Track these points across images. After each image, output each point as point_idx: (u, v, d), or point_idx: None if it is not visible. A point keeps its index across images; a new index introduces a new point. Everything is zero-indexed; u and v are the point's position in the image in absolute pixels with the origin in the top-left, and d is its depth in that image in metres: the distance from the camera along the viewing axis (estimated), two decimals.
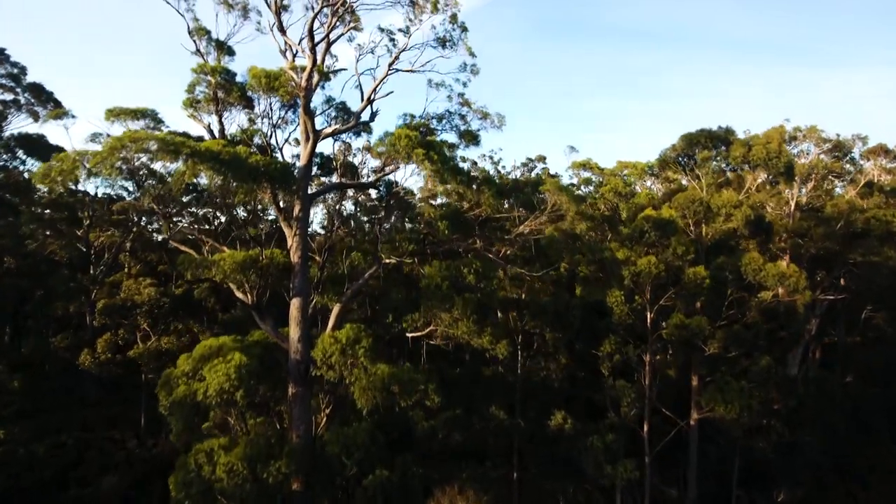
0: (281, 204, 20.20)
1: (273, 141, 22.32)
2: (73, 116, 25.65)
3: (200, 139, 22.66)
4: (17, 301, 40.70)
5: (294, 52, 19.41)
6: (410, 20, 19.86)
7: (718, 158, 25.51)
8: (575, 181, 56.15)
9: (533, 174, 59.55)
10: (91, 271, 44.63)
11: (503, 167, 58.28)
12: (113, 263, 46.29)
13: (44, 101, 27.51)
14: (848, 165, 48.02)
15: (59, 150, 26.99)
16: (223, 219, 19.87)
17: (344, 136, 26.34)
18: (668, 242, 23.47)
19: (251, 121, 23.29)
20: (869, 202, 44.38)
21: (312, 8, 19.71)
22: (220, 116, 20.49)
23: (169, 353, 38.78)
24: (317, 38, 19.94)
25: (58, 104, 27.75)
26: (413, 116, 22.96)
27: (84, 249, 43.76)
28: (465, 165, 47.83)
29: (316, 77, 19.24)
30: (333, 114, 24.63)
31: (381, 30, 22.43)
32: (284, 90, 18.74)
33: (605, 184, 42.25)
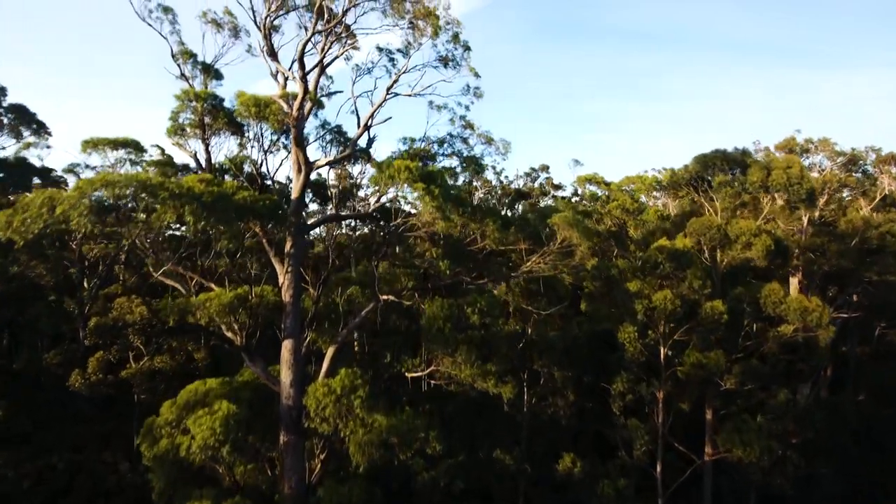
0: (271, 238, 18.91)
1: (265, 167, 21.05)
2: (48, 147, 24.40)
3: (186, 168, 21.40)
4: (9, 317, 39.54)
5: (285, 77, 18.07)
6: (409, 42, 18.53)
7: (735, 184, 24.17)
8: (579, 190, 54.83)
9: (536, 184, 58.22)
10: (85, 283, 43.36)
11: (506, 177, 56.95)
12: (107, 276, 45.03)
13: (27, 122, 26.28)
14: (858, 174, 46.67)
15: (44, 171, 25.67)
16: (212, 253, 18.55)
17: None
18: (684, 275, 22.16)
19: (241, 146, 21.98)
20: (882, 216, 43.02)
21: (305, 29, 18.40)
22: (207, 145, 19.19)
23: (162, 372, 37.61)
24: (311, 62, 18.65)
25: (41, 125, 26.56)
26: (413, 140, 21.66)
27: (75, 265, 42.50)
28: (467, 175, 46.49)
29: (308, 104, 17.91)
30: (329, 137, 23.36)
31: (380, 49, 21.13)
32: (275, 118, 17.41)
33: (612, 199, 40.95)
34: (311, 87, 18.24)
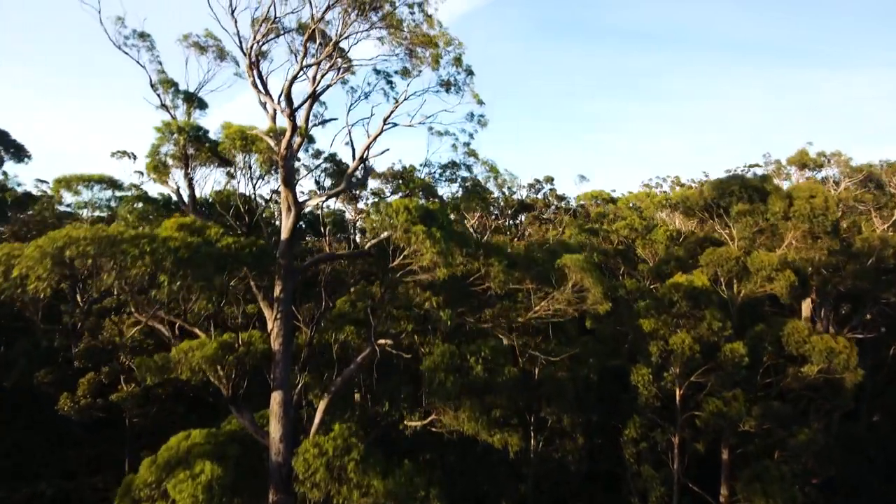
0: (259, 281, 17.51)
1: (256, 195, 19.67)
2: (19, 185, 23.05)
3: (168, 203, 19.99)
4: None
5: (275, 109, 16.64)
6: (408, 70, 17.10)
7: (756, 214, 22.74)
8: (583, 201, 53.40)
9: (540, 195, 56.75)
10: (78, 298, 42.04)
11: (509, 188, 55.46)
12: (102, 295, 43.72)
13: (4, 145, 24.97)
14: (873, 189, 45.14)
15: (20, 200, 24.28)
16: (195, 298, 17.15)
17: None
18: (702, 314, 20.74)
19: (230, 175, 20.59)
20: None
21: (296, 55, 16.95)
22: (191, 180, 17.77)
23: (154, 394, 36.31)
24: (302, 88, 17.25)
25: (19, 149, 25.20)
26: (413, 169, 20.27)
27: (66, 284, 41.20)
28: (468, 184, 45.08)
29: (298, 139, 16.50)
30: (324, 166, 21.95)
31: (377, 72, 19.70)
32: (262, 155, 16.02)
33: (618, 217, 39.56)
34: (301, 119, 16.83)
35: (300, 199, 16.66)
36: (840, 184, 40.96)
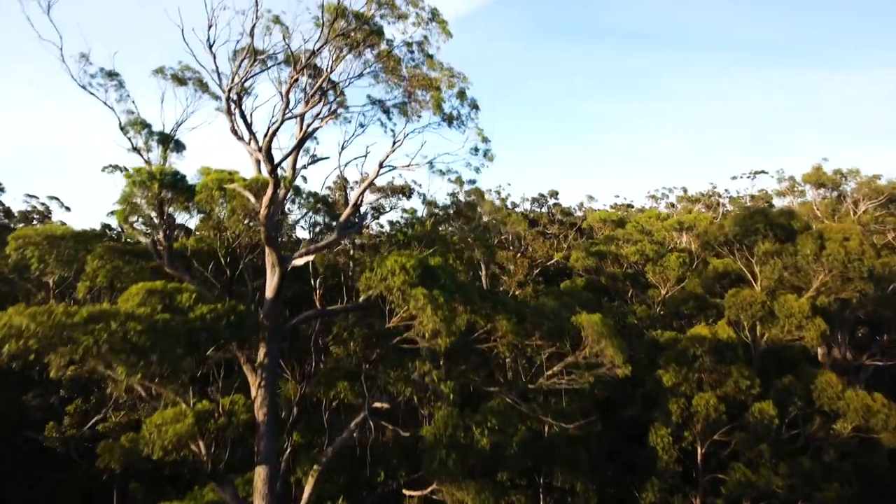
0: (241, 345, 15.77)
1: (237, 244, 17.90)
2: None
3: (144, 253, 18.22)
4: None
5: (258, 160, 14.89)
6: (406, 111, 15.34)
7: (784, 256, 21.01)
8: (592, 223, 51.60)
9: (544, 209, 54.97)
10: None
11: (512, 203, 53.74)
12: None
13: None
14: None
15: None
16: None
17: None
18: (727, 370, 19.02)
19: (210, 226, 18.81)
20: None
21: (281, 95, 15.15)
22: (167, 232, 16.01)
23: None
24: (291, 123, 15.49)
25: None
26: (414, 213, 18.55)
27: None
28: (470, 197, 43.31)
29: (283, 191, 14.78)
30: (313, 204, 20.20)
31: (373, 102, 17.92)
32: (241, 212, 14.28)
33: (629, 241, 37.82)
34: (288, 166, 15.11)
35: (291, 235, 14.90)
36: (859, 204, 39.26)
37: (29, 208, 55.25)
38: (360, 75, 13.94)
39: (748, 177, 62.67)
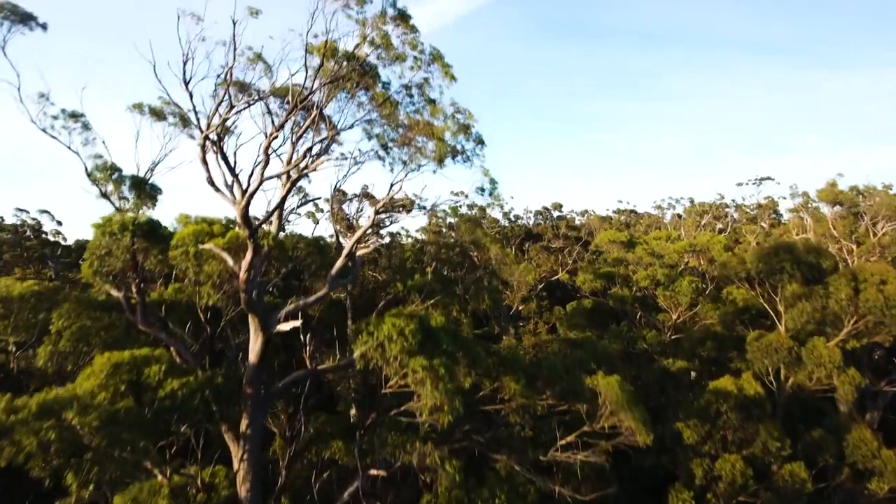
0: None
1: (219, 301, 16.31)
2: None
3: (116, 305, 16.65)
4: None
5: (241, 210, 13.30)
6: (405, 163, 13.77)
7: (815, 299, 19.46)
8: (600, 245, 49.97)
9: (547, 223, 53.37)
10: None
11: (515, 216, 52.16)
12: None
13: None
14: None
15: None
16: None
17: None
18: (755, 428, 17.48)
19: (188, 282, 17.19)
20: None
21: (265, 135, 13.58)
22: (141, 286, 14.47)
23: None
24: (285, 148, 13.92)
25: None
26: (415, 268, 16.96)
27: None
28: (472, 210, 41.56)
29: (266, 248, 13.21)
30: (304, 249, 18.62)
31: (369, 136, 16.34)
32: (220, 274, 12.73)
33: (640, 265, 36.27)
34: (274, 221, 13.56)
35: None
36: (878, 224, 37.72)
37: (19, 222, 53.63)
38: (352, 126, 12.38)
39: (754, 183, 61.12)
